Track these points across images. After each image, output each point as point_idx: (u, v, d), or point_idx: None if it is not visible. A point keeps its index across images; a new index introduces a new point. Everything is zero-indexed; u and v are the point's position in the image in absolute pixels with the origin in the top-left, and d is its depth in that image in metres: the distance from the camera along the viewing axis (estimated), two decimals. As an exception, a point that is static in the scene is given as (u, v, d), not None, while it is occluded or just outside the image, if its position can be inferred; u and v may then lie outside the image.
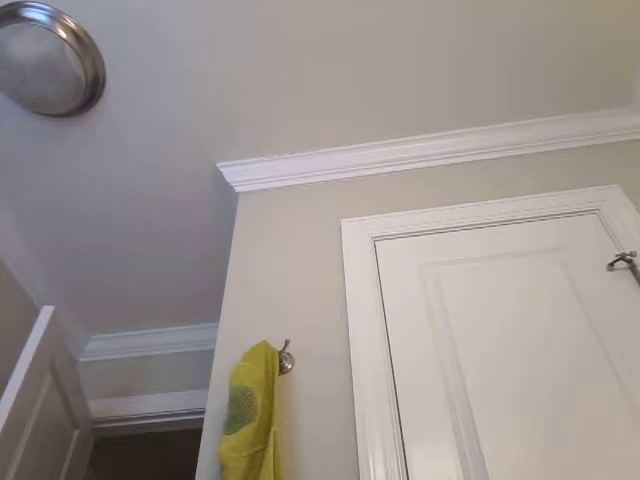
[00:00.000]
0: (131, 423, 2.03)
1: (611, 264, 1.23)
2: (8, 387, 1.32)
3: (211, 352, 1.27)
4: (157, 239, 1.90)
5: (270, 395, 1.05)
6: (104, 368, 2.19)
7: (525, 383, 1.06)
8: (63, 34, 1.34)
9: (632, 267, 1.21)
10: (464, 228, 1.40)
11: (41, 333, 1.44)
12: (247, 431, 0.96)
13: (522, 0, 1.36)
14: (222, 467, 0.93)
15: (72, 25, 1.35)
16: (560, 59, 1.48)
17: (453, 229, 1.41)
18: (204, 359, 1.97)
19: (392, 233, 1.42)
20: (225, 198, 1.75)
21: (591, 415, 1.00)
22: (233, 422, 0.98)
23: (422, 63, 1.48)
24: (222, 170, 1.69)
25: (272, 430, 0.96)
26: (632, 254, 1.21)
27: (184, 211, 1.82)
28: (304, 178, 1.67)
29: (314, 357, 1.20)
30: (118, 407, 2.03)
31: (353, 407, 1.08)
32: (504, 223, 1.39)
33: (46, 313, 1.49)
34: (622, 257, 1.21)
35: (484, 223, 1.40)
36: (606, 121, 1.58)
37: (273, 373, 1.09)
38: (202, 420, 1.13)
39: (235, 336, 1.27)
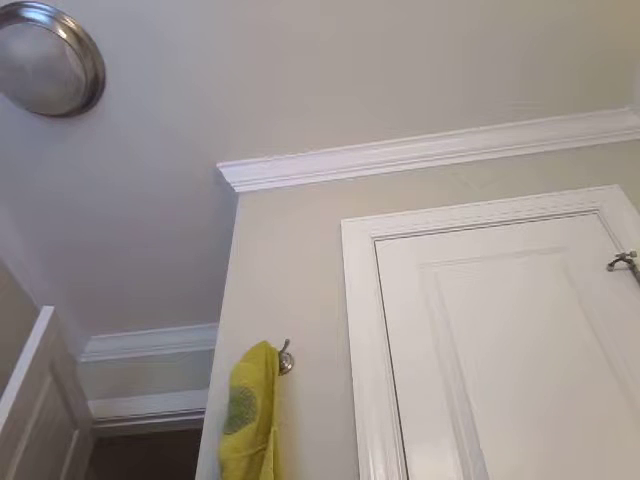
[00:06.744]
0: (131, 423, 2.03)
1: (611, 264, 1.23)
2: (8, 387, 1.32)
3: (211, 352, 1.27)
4: (157, 239, 1.90)
5: (270, 395, 1.05)
6: (104, 368, 2.19)
7: (525, 383, 1.06)
8: (63, 34, 1.34)
9: (632, 267, 1.21)
10: (465, 228, 1.40)
11: (41, 333, 1.44)
12: (247, 431, 0.96)
13: (525, 2, 1.36)
14: (222, 467, 0.93)
15: (72, 25, 1.35)
16: (561, 60, 1.48)
17: (454, 229, 1.41)
18: (204, 359, 1.97)
19: (392, 233, 1.42)
20: (225, 198, 1.75)
21: (591, 415, 1.00)
22: (233, 422, 0.98)
23: (423, 64, 1.48)
24: (222, 170, 1.69)
25: (272, 430, 0.96)
26: (632, 254, 1.21)
27: (184, 211, 1.82)
28: (304, 178, 1.67)
29: (314, 357, 1.20)
30: (118, 407, 2.03)
31: (353, 407, 1.08)
32: (505, 223, 1.39)
33: (46, 313, 1.49)
34: (622, 257, 1.21)
35: (485, 223, 1.40)
36: (606, 121, 1.58)
37: (273, 373, 1.09)
38: (202, 420, 1.13)
39: (235, 336, 1.27)
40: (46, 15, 1.33)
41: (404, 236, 1.41)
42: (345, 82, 1.51)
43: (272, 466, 0.89)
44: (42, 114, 1.52)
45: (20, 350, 1.39)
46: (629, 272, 1.22)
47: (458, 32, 1.42)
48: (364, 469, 0.98)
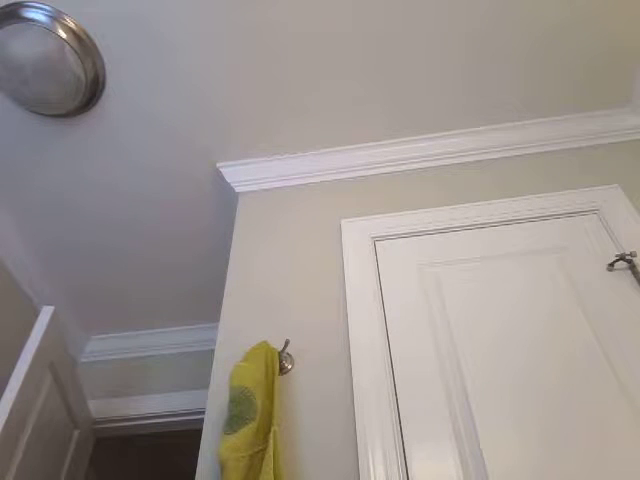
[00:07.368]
0: (131, 423, 2.03)
1: (611, 264, 1.23)
2: (8, 387, 1.32)
3: (211, 352, 1.28)
4: (157, 239, 1.90)
5: (270, 395, 1.05)
6: (104, 368, 2.19)
7: (525, 383, 1.06)
8: (63, 34, 1.34)
9: (632, 267, 1.21)
10: (465, 228, 1.40)
11: (41, 333, 1.44)
12: (247, 431, 0.96)
13: (526, 3, 1.36)
14: (222, 467, 0.93)
15: (72, 25, 1.35)
16: (561, 61, 1.48)
17: (454, 229, 1.41)
18: (204, 359, 1.98)
19: (392, 233, 1.42)
20: (225, 198, 1.76)
21: (591, 415, 1.00)
22: (233, 422, 0.98)
23: (424, 64, 1.48)
24: (222, 170, 1.69)
25: (272, 430, 0.96)
26: (632, 254, 1.21)
27: (184, 211, 1.82)
28: (304, 178, 1.67)
29: (314, 357, 1.20)
30: (118, 407, 2.03)
31: (353, 407, 1.08)
32: (505, 223, 1.39)
33: (46, 313, 1.49)
34: (622, 257, 1.21)
35: (485, 223, 1.40)
36: (606, 121, 1.58)
37: (273, 373, 1.09)
38: (202, 420, 1.13)
39: (235, 336, 1.27)
40: (46, 15, 1.33)
41: (404, 236, 1.41)
42: (344, 83, 1.51)
43: (272, 466, 0.89)
44: (42, 114, 1.52)
45: (20, 350, 1.39)
46: (629, 272, 1.22)
47: (458, 32, 1.42)
48: (364, 469, 0.98)
